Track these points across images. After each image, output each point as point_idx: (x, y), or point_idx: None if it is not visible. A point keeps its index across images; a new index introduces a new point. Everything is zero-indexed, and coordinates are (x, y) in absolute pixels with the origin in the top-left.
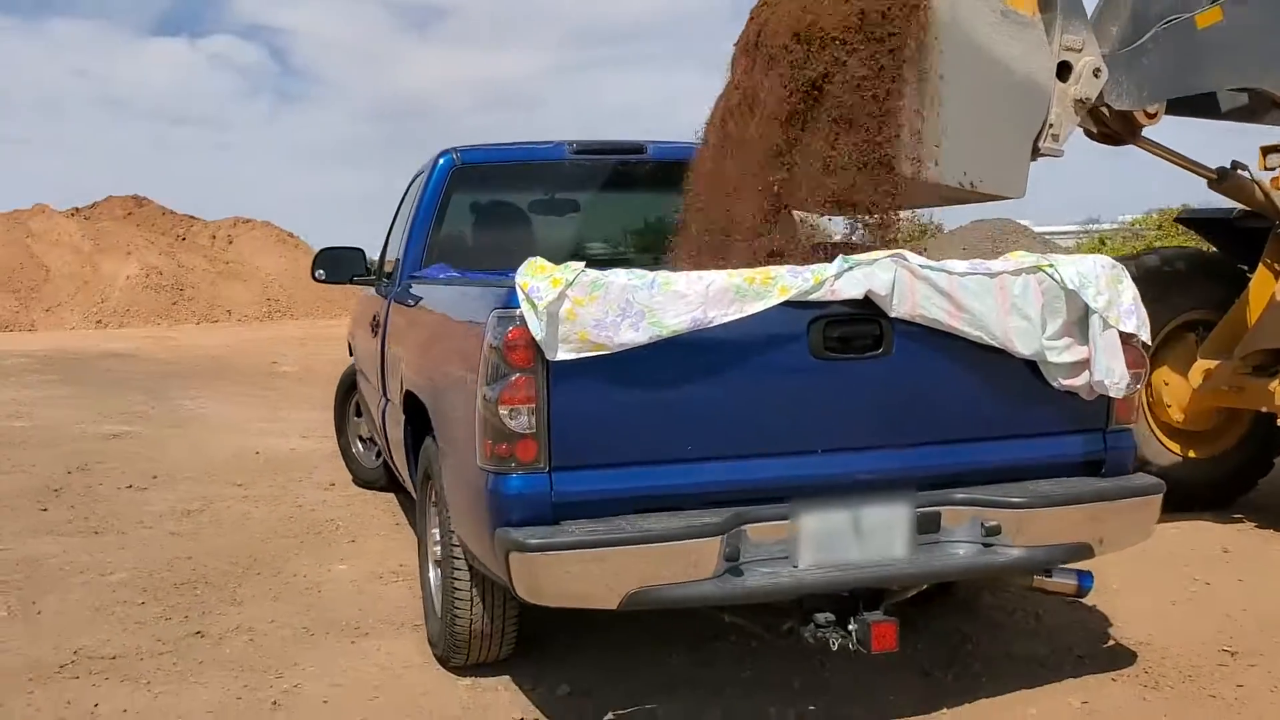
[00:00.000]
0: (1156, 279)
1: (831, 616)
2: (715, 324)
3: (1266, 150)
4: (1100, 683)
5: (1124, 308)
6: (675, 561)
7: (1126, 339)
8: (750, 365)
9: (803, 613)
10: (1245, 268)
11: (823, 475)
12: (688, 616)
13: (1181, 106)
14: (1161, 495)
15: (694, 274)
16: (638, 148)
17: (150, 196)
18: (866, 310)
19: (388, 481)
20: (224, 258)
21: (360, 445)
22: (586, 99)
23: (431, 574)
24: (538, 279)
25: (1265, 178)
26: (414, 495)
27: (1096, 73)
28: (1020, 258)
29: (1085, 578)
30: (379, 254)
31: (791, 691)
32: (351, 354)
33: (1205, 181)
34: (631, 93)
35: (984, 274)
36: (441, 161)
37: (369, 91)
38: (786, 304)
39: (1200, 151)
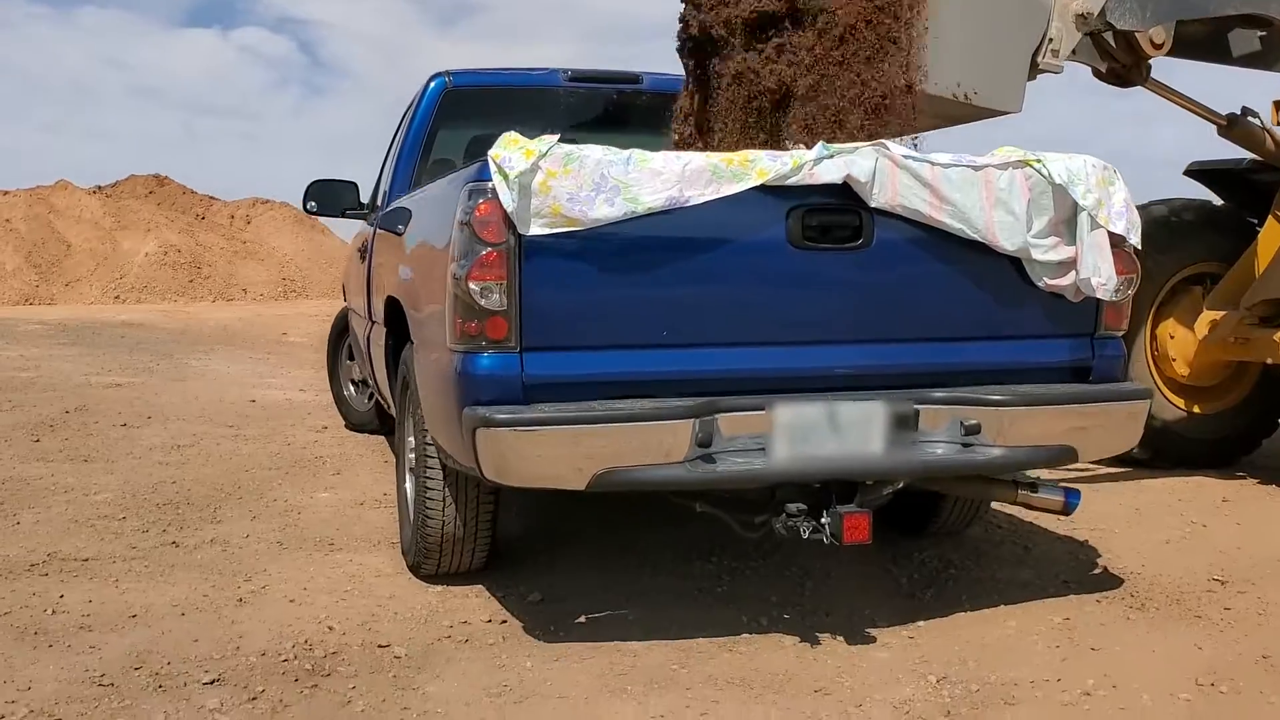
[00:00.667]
0: (1164, 230)
1: (804, 506)
2: (691, 204)
3: (1279, 104)
4: (1083, 603)
5: (1114, 209)
6: (646, 443)
7: (1116, 241)
8: (727, 252)
9: (774, 504)
10: (1254, 220)
11: (799, 368)
12: (671, 531)
13: (1191, 48)
14: (1149, 403)
15: (671, 153)
16: (634, 78)
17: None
18: (847, 200)
19: (379, 424)
20: (242, 237)
21: (352, 389)
22: None
23: (407, 484)
24: (510, 150)
25: (1276, 130)
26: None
27: None
28: (1007, 152)
29: (1072, 494)
30: (371, 190)
31: (767, 604)
32: (345, 298)
33: (1215, 129)
34: None
35: (968, 166)
36: (433, 84)
37: (395, 85)
38: (765, 190)
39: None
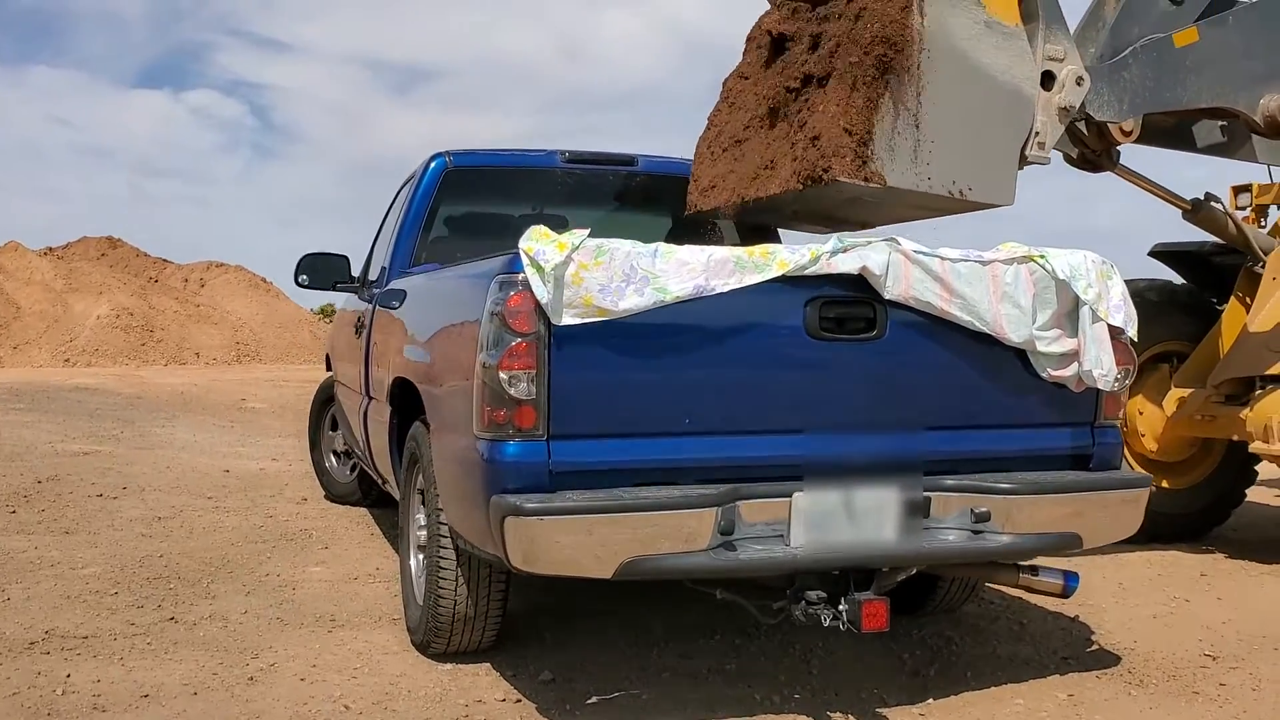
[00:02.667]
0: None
1: (824, 594)
2: (717, 292)
3: (1237, 190)
4: (1085, 679)
5: (1113, 302)
6: (671, 532)
7: (1115, 334)
8: (747, 341)
9: (793, 591)
10: (1216, 300)
11: (816, 455)
12: (672, 610)
13: (1159, 136)
14: (1149, 490)
15: (695, 246)
16: (629, 160)
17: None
18: (861, 293)
19: (361, 496)
20: (195, 300)
21: (334, 460)
22: None
23: (413, 561)
24: (542, 243)
25: (1237, 214)
26: (395, 492)
27: (1079, 81)
28: (1012, 248)
29: (1071, 578)
30: (363, 263)
31: (777, 682)
32: (329, 368)
33: (1180, 212)
34: None
35: (976, 261)
36: (434, 164)
37: (349, 150)
38: (784, 281)
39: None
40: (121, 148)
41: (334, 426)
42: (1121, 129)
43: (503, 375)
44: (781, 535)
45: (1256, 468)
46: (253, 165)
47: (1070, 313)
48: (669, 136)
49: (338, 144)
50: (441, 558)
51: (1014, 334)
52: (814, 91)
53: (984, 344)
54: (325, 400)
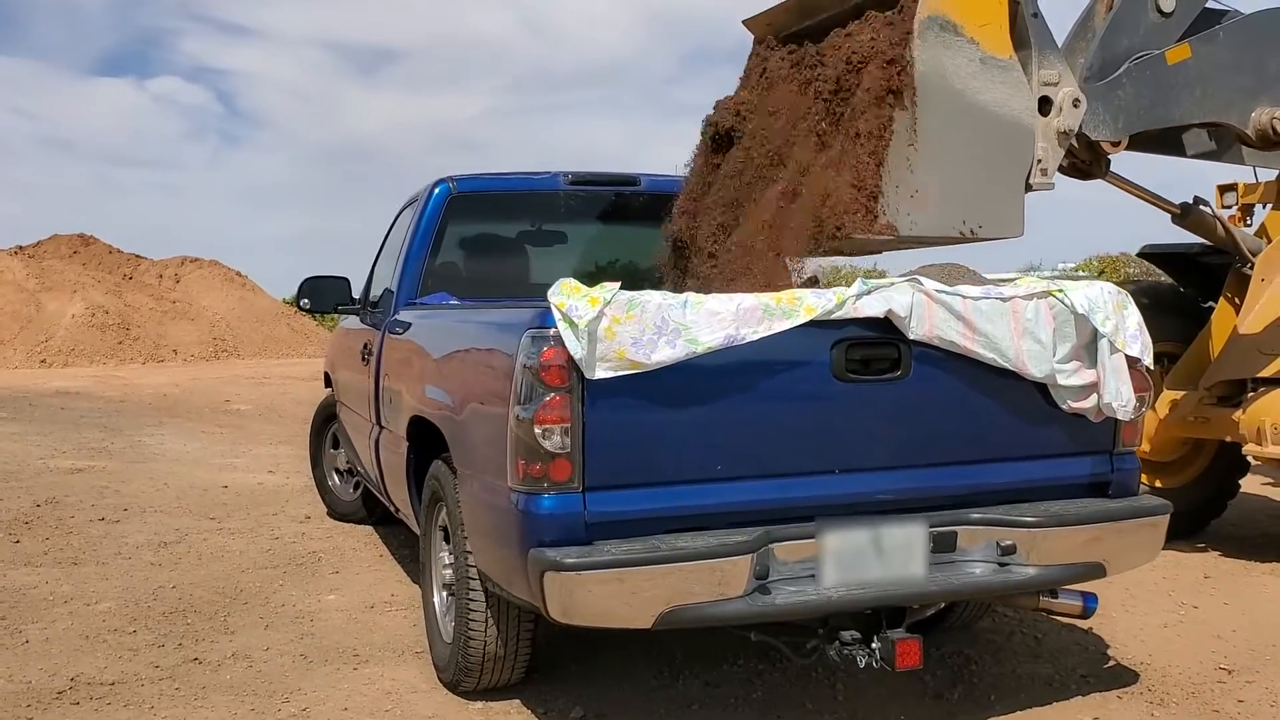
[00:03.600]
0: None
1: (858, 634)
2: (747, 340)
3: (1223, 189)
4: (1107, 700)
5: (1129, 332)
6: (708, 580)
7: (1132, 363)
8: (776, 386)
9: (827, 631)
10: (1206, 301)
11: (844, 495)
12: (693, 635)
13: (1149, 144)
14: (1169, 516)
15: (723, 295)
16: (632, 180)
17: (97, 236)
18: (886, 334)
19: (366, 514)
20: (171, 296)
21: (337, 478)
22: (534, 142)
23: (436, 599)
24: (574, 298)
25: (1224, 215)
26: (412, 522)
27: (1076, 103)
28: (1031, 283)
29: (1090, 599)
30: (364, 285)
31: (804, 710)
32: (328, 385)
33: (1169, 217)
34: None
35: (997, 298)
36: (437, 190)
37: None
38: (810, 326)
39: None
40: (85, 138)
41: (335, 444)
42: (1111, 141)
43: (538, 429)
44: (813, 575)
45: (1249, 458)
46: (221, 152)
47: (1088, 345)
48: (638, 113)
49: (304, 129)
50: (471, 599)
51: (1036, 369)
52: (816, 145)
53: (1005, 379)
54: (327, 419)
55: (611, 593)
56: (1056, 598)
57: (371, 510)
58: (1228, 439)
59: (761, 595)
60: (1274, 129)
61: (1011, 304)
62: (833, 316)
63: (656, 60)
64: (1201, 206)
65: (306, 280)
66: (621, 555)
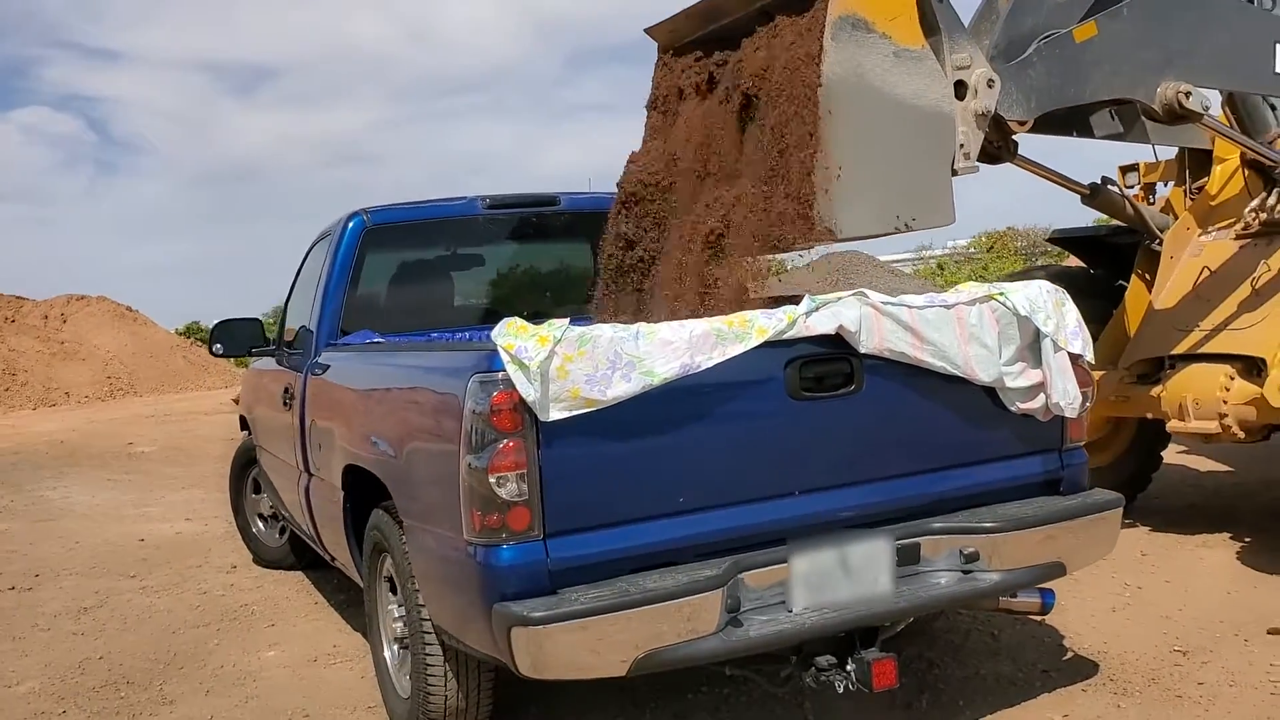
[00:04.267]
0: None
1: (834, 659)
2: (702, 368)
3: (1124, 169)
4: (1073, 695)
5: (1070, 330)
6: (682, 620)
7: (1074, 360)
8: (732, 410)
9: (801, 657)
10: (1120, 281)
11: (808, 515)
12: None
13: (1058, 125)
14: (1122, 508)
15: (674, 323)
16: (550, 200)
17: None
18: (837, 349)
19: (295, 560)
20: (59, 337)
21: (261, 524)
22: (426, 150)
23: (388, 653)
24: (522, 339)
25: (1130, 194)
26: (351, 572)
27: (990, 83)
28: (971, 288)
29: (1048, 595)
30: (278, 324)
31: None
32: (244, 429)
33: (1079, 197)
34: (467, 143)
35: (941, 306)
36: (351, 224)
37: (198, 157)
38: (763, 346)
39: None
40: None
41: (257, 489)
42: (1018, 120)
43: (492, 479)
44: (782, 601)
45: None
46: (97, 182)
47: (1031, 345)
48: (525, 116)
49: (184, 152)
50: (428, 653)
51: (984, 374)
52: (744, 156)
53: (954, 385)
54: (246, 463)
55: (583, 643)
56: (1016, 597)
57: (300, 555)
58: (1149, 415)
59: (734, 629)
60: (1179, 103)
61: (955, 310)
62: (784, 336)
63: (542, 63)
64: (1109, 186)
65: (218, 325)
66: (591, 603)
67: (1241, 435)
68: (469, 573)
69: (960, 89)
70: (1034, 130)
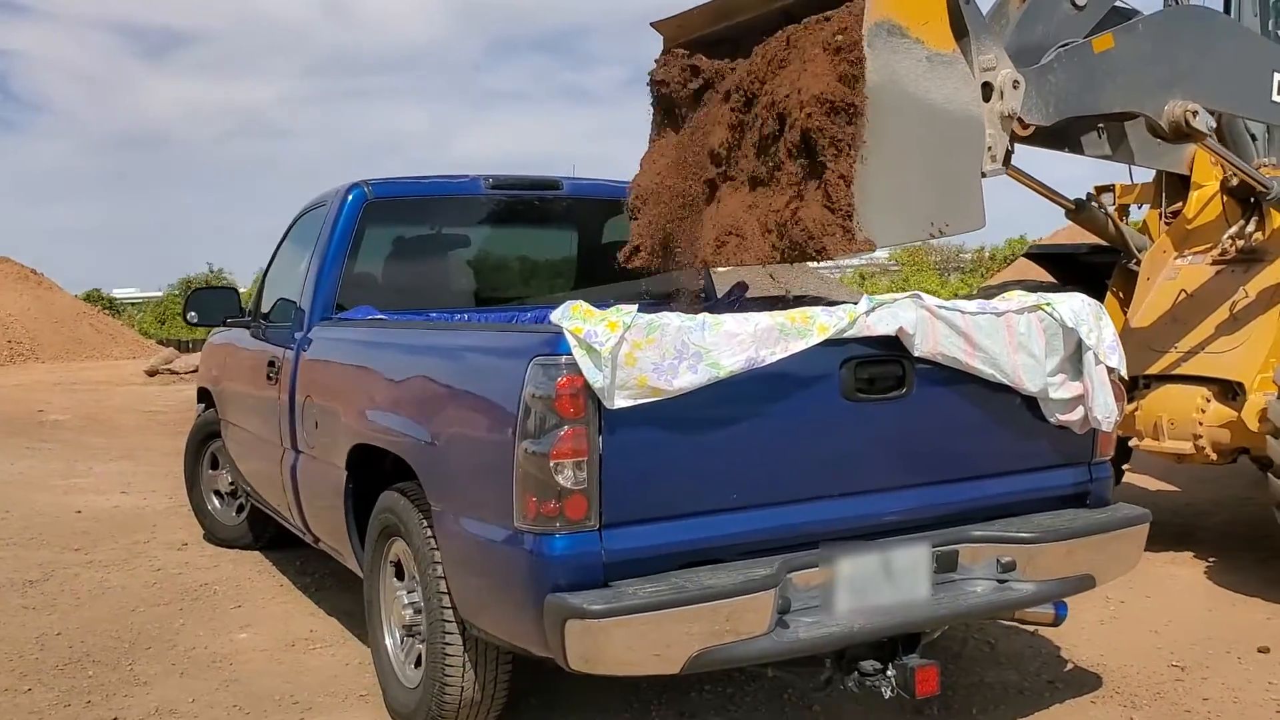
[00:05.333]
0: None
1: (879, 664)
2: (766, 363)
3: (1100, 190)
4: (1083, 706)
5: (1107, 344)
6: (738, 618)
7: (1110, 374)
8: (788, 409)
9: (845, 662)
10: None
11: (854, 518)
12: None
13: (1052, 139)
14: (1149, 524)
15: (739, 315)
16: (554, 183)
17: None
18: (891, 351)
19: (253, 539)
20: None
21: (217, 500)
22: (339, 127)
23: (389, 641)
24: (591, 323)
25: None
26: (344, 555)
27: (1015, 84)
28: (1020, 296)
29: (1061, 607)
30: (254, 296)
31: None
32: (203, 402)
33: (1064, 211)
34: (381, 122)
35: (992, 313)
36: (352, 196)
37: (103, 119)
38: (821, 345)
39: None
40: None
41: (214, 465)
42: (1021, 123)
43: (552, 464)
44: (824, 605)
45: (1131, 446)
46: None
47: (1073, 357)
48: (443, 99)
49: (89, 114)
50: (447, 644)
51: (1030, 383)
52: (780, 162)
53: (997, 394)
54: (205, 438)
55: (640, 639)
56: (1030, 607)
57: (259, 535)
58: (1121, 434)
59: (783, 630)
60: (1186, 121)
61: (1005, 319)
62: (845, 335)
63: (463, 48)
64: (1094, 203)
65: (193, 293)
66: (650, 599)
67: (1214, 457)
68: (516, 562)
69: (986, 91)
70: (1030, 142)
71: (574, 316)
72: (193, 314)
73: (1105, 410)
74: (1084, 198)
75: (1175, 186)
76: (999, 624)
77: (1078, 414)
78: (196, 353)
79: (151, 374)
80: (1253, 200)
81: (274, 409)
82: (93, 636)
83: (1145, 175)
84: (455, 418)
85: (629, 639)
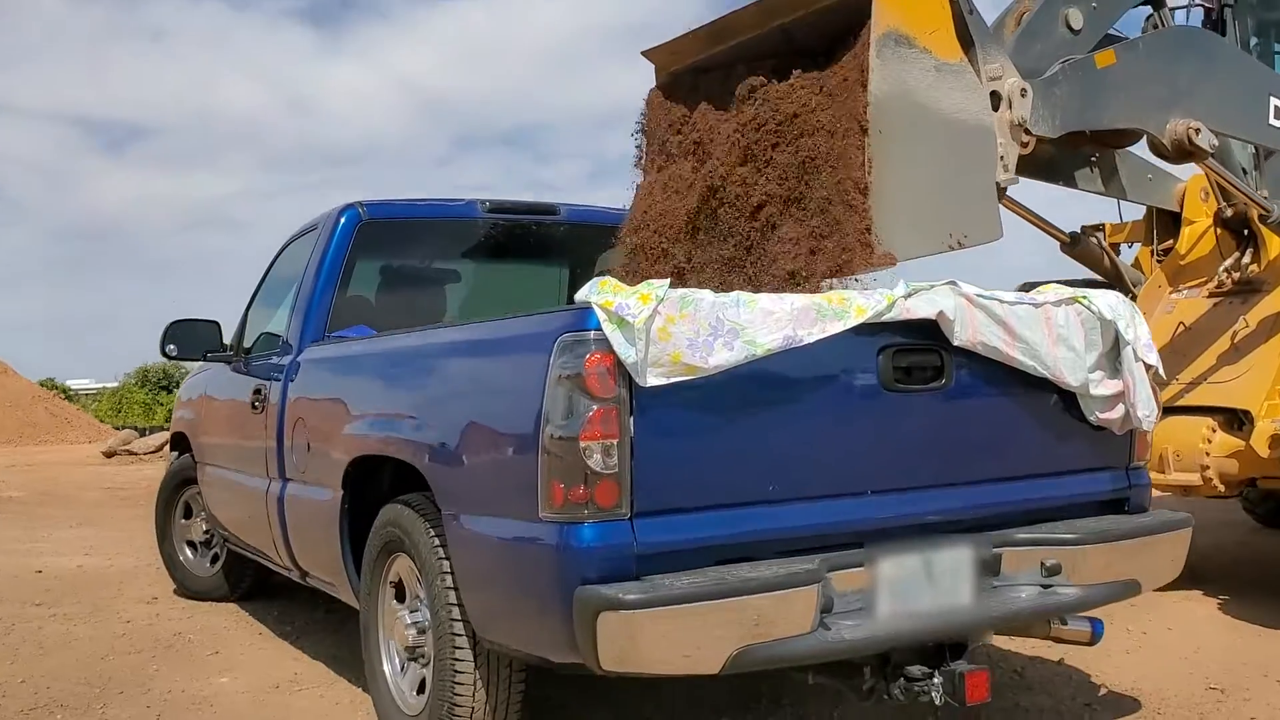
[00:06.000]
0: None
1: (927, 669)
2: (804, 343)
3: (1089, 229)
4: None
5: (1144, 342)
6: (782, 614)
7: (1149, 371)
8: (827, 396)
9: (891, 667)
10: None
11: (893, 516)
12: (654, 692)
13: (1044, 171)
14: (1192, 529)
15: (775, 294)
16: (551, 209)
17: None
18: (929, 340)
19: (228, 590)
20: None
21: (190, 551)
22: (295, 220)
23: (388, 667)
24: (622, 296)
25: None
26: (337, 587)
27: (1023, 92)
28: (1056, 289)
29: (1097, 624)
30: (236, 331)
31: None
32: (175, 448)
33: (1058, 245)
34: None
35: (1030, 304)
36: (345, 217)
37: (57, 212)
38: (859, 331)
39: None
40: None
41: (187, 514)
42: (1027, 133)
43: (582, 445)
44: (866, 608)
45: None
46: None
47: (1111, 353)
48: (407, 193)
49: (44, 206)
50: (456, 660)
51: (1071, 377)
52: (794, 182)
53: (1036, 389)
54: (179, 485)
55: (680, 634)
56: (1066, 625)
57: (235, 585)
58: None
59: (824, 631)
60: (1189, 139)
61: (1044, 310)
62: (883, 319)
63: (427, 142)
64: (1089, 238)
65: (172, 324)
66: (691, 589)
67: (1221, 488)
68: (542, 557)
69: (994, 99)
70: (1025, 174)
71: (603, 290)
72: (171, 346)
73: (1147, 407)
74: (1078, 231)
75: (1166, 224)
76: (1024, 652)
77: (1118, 412)
78: (157, 434)
79: (109, 455)
80: (1247, 232)
81: (259, 438)
82: (59, 683)
83: (1134, 214)
84: (472, 412)
85: (667, 634)
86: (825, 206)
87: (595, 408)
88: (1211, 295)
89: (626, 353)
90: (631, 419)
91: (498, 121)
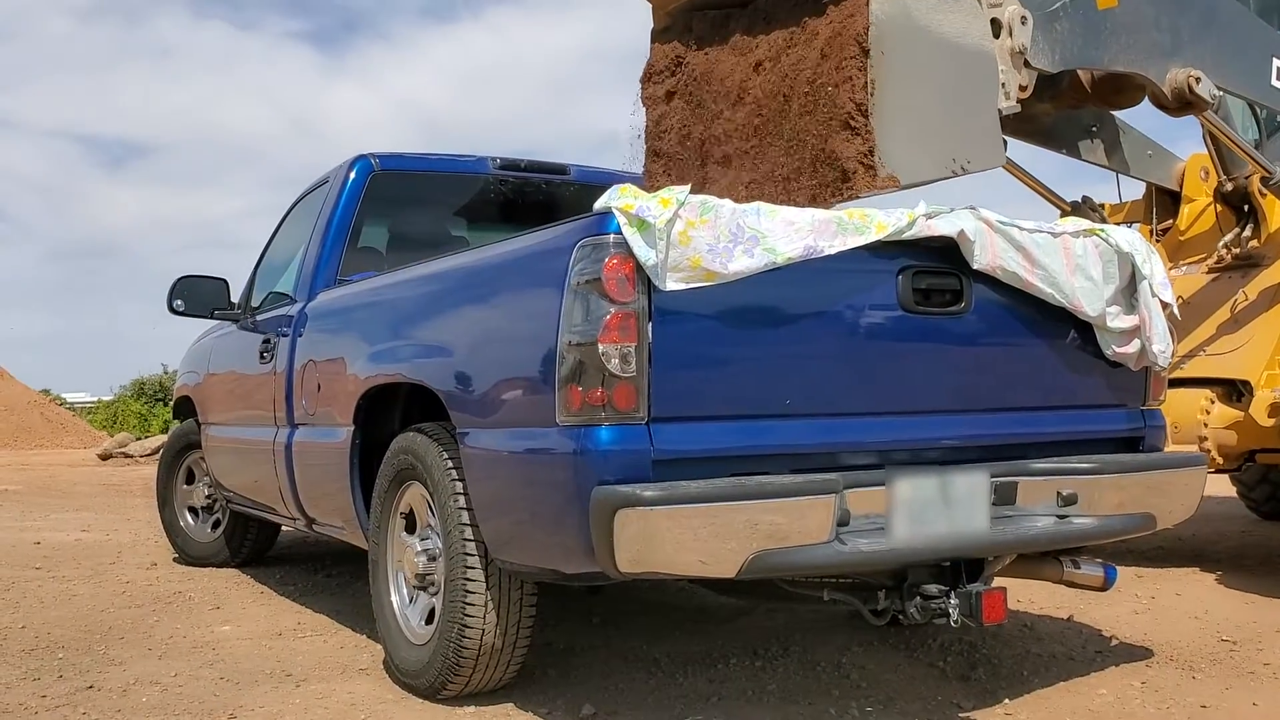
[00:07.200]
0: None
1: (944, 587)
2: (825, 254)
3: (1089, 200)
4: (1138, 670)
5: (1159, 280)
6: (799, 521)
7: (1164, 308)
8: (847, 312)
9: (907, 587)
10: None
11: (910, 440)
12: (663, 638)
13: (1044, 137)
14: (1206, 467)
15: (793, 208)
16: (562, 169)
17: None
18: (948, 263)
19: (229, 555)
20: None
21: (190, 517)
22: None
23: (395, 598)
24: (643, 200)
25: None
26: (346, 531)
27: (1023, 20)
28: (1072, 222)
29: (1110, 569)
30: (243, 291)
31: (832, 697)
32: (179, 415)
33: (1059, 213)
34: None
35: (1049, 232)
36: (357, 168)
37: (58, 229)
38: (878, 250)
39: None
40: None
41: (190, 479)
42: (1027, 64)
43: (601, 348)
44: (881, 528)
45: None
46: None
47: (1127, 288)
48: None
49: (45, 222)
50: (469, 580)
51: (1089, 307)
52: (798, 105)
53: (1054, 319)
54: (180, 450)
55: (699, 532)
56: (1079, 569)
57: (236, 550)
58: None
59: (840, 544)
60: (1189, 88)
61: (1063, 239)
62: (904, 236)
63: None
64: (1090, 209)
65: (180, 279)
66: (710, 489)
67: (1220, 461)
68: (559, 461)
69: (995, 27)
70: (1026, 138)
71: (623, 196)
72: (179, 302)
73: (1163, 342)
74: (1079, 200)
75: (1165, 203)
76: (1033, 609)
77: (1134, 346)
78: (153, 438)
79: (105, 457)
80: (1247, 207)
81: (267, 388)
82: (63, 630)
83: (1132, 194)
84: (490, 326)
85: (684, 535)
86: (823, 129)
87: (614, 311)
88: (1211, 270)
89: (646, 255)
90: (650, 325)
91: (498, 143)
